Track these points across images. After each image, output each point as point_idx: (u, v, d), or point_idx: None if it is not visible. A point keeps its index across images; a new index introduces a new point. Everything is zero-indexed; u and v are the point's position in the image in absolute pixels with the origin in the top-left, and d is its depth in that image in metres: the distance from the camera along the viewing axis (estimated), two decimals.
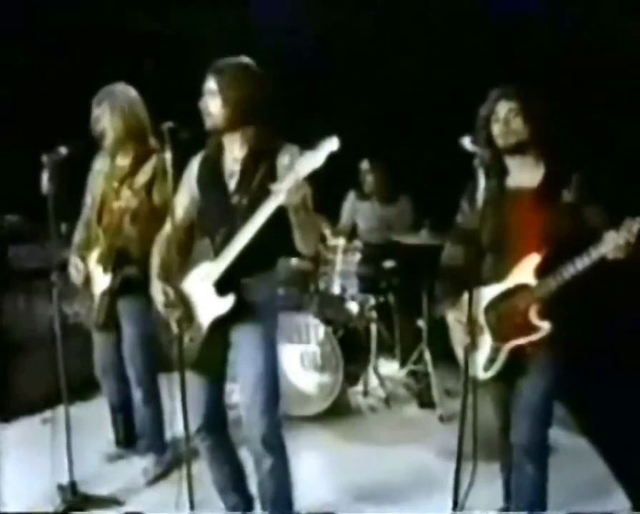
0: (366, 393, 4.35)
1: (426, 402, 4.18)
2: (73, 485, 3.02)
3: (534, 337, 2.43)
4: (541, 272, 2.40)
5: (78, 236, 3.33)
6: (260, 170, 2.46)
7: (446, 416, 3.95)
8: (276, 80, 2.56)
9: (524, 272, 2.44)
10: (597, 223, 2.34)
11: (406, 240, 4.23)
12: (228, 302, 2.44)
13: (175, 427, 2.76)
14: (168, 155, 2.38)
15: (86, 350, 3.44)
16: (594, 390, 3.47)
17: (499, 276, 2.51)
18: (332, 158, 2.22)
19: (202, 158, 2.62)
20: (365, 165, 4.70)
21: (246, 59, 2.50)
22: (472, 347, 2.40)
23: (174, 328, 2.48)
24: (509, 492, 2.72)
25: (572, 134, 2.91)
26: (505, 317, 2.49)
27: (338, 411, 4.02)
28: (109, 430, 3.53)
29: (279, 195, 2.24)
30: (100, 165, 3.30)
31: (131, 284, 3.13)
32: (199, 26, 4.86)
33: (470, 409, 2.35)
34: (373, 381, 4.39)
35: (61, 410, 3.08)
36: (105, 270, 3.15)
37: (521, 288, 2.45)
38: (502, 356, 2.51)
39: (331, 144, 2.21)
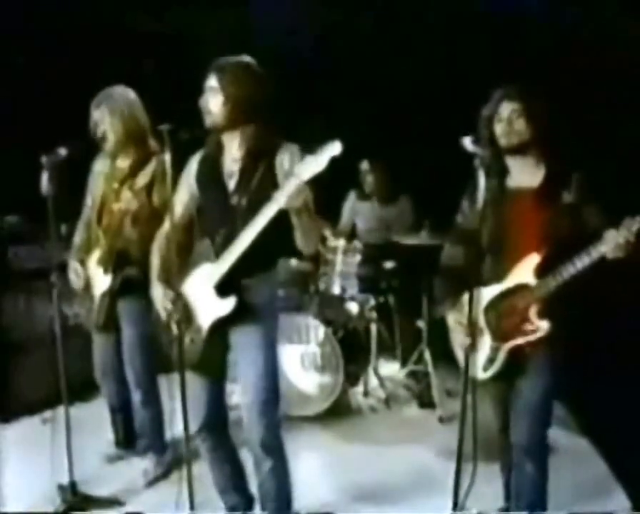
0: (366, 394, 4.35)
1: (426, 402, 4.18)
2: (73, 485, 3.02)
3: (534, 337, 2.43)
4: (541, 272, 2.40)
5: (78, 237, 3.33)
6: (259, 170, 2.46)
7: (446, 417, 3.95)
8: (276, 80, 2.55)
9: (524, 272, 2.44)
10: (597, 224, 2.34)
11: (405, 240, 4.23)
12: (229, 303, 2.44)
13: (175, 427, 2.76)
14: (167, 157, 2.38)
15: (86, 351, 3.43)
16: (594, 390, 3.46)
17: (499, 276, 2.51)
18: (332, 158, 2.22)
19: (201, 156, 2.62)
20: (365, 165, 4.70)
21: (247, 58, 2.50)
22: (472, 348, 2.40)
23: (174, 329, 2.48)
24: (509, 492, 2.72)
25: (572, 134, 2.91)
26: (504, 317, 2.49)
27: (338, 411, 4.02)
28: (109, 431, 3.53)
29: (281, 199, 2.24)
30: (100, 166, 3.30)
31: (131, 285, 3.13)
32: (199, 26, 4.86)
33: (470, 409, 2.36)
34: (374, 381, 4.39)
35: (61, 410, 3.08)
36: (105, 271, 3.15)
37: (521, 288, 2.45)
38: (501, 356, 2.51)
39: (334, 148, 2.20)
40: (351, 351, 4.07)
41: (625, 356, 3.59)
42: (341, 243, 4.28)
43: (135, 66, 4.06)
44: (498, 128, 2.47)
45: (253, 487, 2.72)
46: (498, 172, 2.53)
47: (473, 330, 2.38)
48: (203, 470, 2.71)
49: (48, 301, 3.42)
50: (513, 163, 2.53)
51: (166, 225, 2.58)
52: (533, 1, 4.52)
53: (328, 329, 3.99)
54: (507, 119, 2.45)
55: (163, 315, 2.55)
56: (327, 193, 2.37)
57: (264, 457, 2.55)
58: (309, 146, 2.27)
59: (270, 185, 2.36)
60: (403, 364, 4.57)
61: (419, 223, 4.26)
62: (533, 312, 2.42)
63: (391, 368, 4.70)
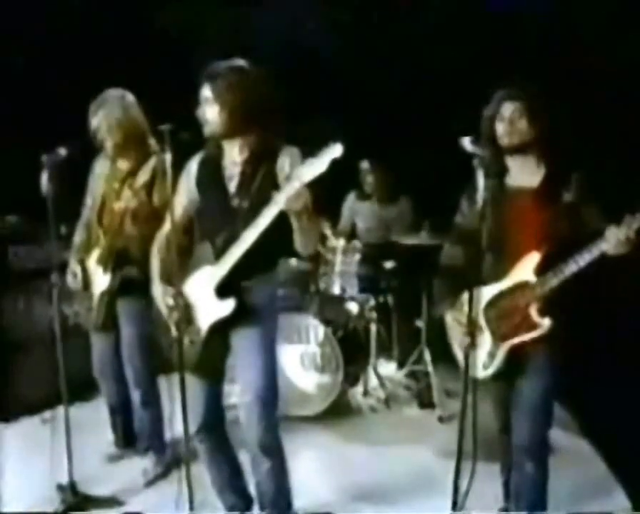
0: (365, 393, 4.35)
1: (425, 402, 4.18)
2: (72, 485, 3.02)
3: (534, 334, 2.43)
4: (542, 270, 2.41)
5: (78, 238, 3.33)
6: (260, 173, 2.46)
7: (446, 416, 3.95)
8: (276, 80, 2.55)
9: (525, 270, 2.45)
10: (596, 223, 2.34)
11: (405, 240, 4.23)
12: (228, 306, 2.43)
13: (174, 427, 2.77)
14: (167, 156, 2.38)
15: (85, 351, 3.43)
16: (594, 390, 3.46)
17: (499, 275, 2.51)
18: (333, 161, 2.21)
19: (201, 159, 2.61)
20: (365, 165, 4.70)
21: (240, 62, 2.47)
22: (472, 347, 2.40)
23: (173, 330, 2.48)
24: (509, 492, 2.72)
25: (572, 134, 2.91)
26: (505, 315, 2.49)
27: (338, 411, 4.02)
28: (109, 431, 3.53)
29: (281, 201, 2.24)
30: (100, 167, 3.30)
31: (130, 285, 3.13)
32: (199, 26, 4.86)
33: (470, 409, 2.36)
34: (373, 381, 4.39)
35: (60, 410, 3.08)
36: (105, 270, 3.15)
37: (522, 286, 2.45)
38: (501, 354, 2.51)
39: (334, 151, 2.20)
40: (351, 351, 4.07)
41: (625, 356, 3.59)
42: (341, 242, 4.28)
43: (135, 66, 4.05)
44: (500, 128, 2.48)
45: (252, 488, 2.72)
46: (498, 172, 2.53)
47: (472, 329, 2.38)
48: (202, 470, 2.71)
49: (48, 301, 3.43)
50: (513, 162, 2.53)
51: (166, 226, 2.58)
52: (534, 1, 4.52)
53: (327, 329, 3.99)
54: (509, 119, 2.46)
55: (164, 311, 2.55)
56: (327, 192, 2.37)
57: (262, 457, 2.55)
58: (310, 148, 2.26)
59: (271, 187, 2.35)
60: (403, 364, 4.56)
61: (419, 223, 4.26)
62: (534, 310, 2.43)
63: (390, 368, 4.70)
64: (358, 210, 4.81)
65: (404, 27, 4.93)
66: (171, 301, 2.50)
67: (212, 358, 2.56)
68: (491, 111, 2.51)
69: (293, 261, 4.33)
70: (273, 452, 2.57)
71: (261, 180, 2.45)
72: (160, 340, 2.65)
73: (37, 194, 2.91)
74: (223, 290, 2.44)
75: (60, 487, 3.03)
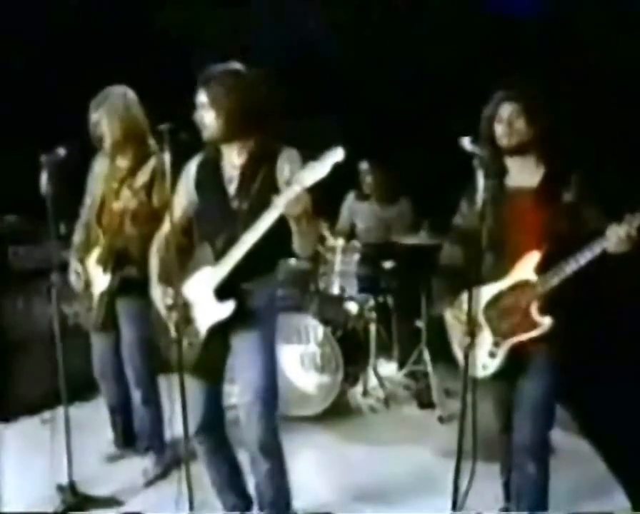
0: (365, 393, 4.34)
1: (425, 402, 4.18)
2: (72, 485, 3.02)
3: (535, 333, 2.43)
4: (542, 269, 2.41)
5: (77, 237, 3.33)
6: (259, 175, 2.45)
7: (446, 417, 3.95)
8: (276, 80, 2.55)
9: (525, 269, 2.45)
10: (596, 223, 2.35)
11: (405, 240, 4.23)
12: (227, 307, 2.43)
13: (174, 427, 2.77)
14: (167, 156, 2.38)
15: (85, 351, 3.43)
16: (594, 390, 3.46)
17: (499, 275, 2.51)
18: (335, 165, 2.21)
19: (200, 161, 2.61)
20: (364, 165, 4.69)
21: (235, 65, 2.47)
22: (471, 346, 2.40)
23: (172, 331, 2.48)
24: (509, 492, 2.72)
25: (571, 134, 2.91)
26: (506, 314, 2.49)
27: (337, 411, 4.02)
28: (109, 431, 3.52)
29: (281, 205, 2.23)
30: (100, 166, 3.29)
31: (130, 285, 3.13)
32: (199, 26, 4.86)
33: (470, 409, 2.35)
34: (373, 381, 4.39)
35: (60, 410, 3.08)
36: (104, 270, 3.15)
37: (522, 285, 2.45)
38: (502, 354, 2.51)
39: (336, 155, 2.19)
40: (351, 351, 4.07)
41: (625, 356, 3.59)
42: (340, 242, 4.28)
43: (135, 66, 4.05)
44: (499, 129, 2.48)
45: (251, 488, 2.72)
46: (498, 172, 2.54)
47: (472, 329, 2.38)
48: (202, 470, 2.70)
49: (47, 301, 3.43)
50: (512, 163, 2.54)
51: (166, 226, 2.58)
52: (534, 1, 4.53)
53: (327, 329, 3.99)
54: (507, 120, 2.46)
55: (163, 312, 2.55)
56: (327, 192, 2.37)
57: (262, 457, 2.55)
58: (309, 148, 2.26)
59: (270, 189, 2.34)
60: (403, 364, 4.56)
61: (418, 223, 4.26)
62: (534, 308, 2.43)
63: (390, 368, 4.70)
64: (357, 211, 4.81)
65: (404, 27, 4.93)
66: (170, 301, 2.50)
67: (211, 360, 2.55)
68: (489, 112, 2.52)
69: (293, 261, 4.33)
70: (273, 452, 2.57)
71: (260, 182, 2.44)
72: (159, 342, 2.64)
73: (36, 194, 2.91)
74: (222, 292, 2.44)
75: (60, 488, 3.03)
